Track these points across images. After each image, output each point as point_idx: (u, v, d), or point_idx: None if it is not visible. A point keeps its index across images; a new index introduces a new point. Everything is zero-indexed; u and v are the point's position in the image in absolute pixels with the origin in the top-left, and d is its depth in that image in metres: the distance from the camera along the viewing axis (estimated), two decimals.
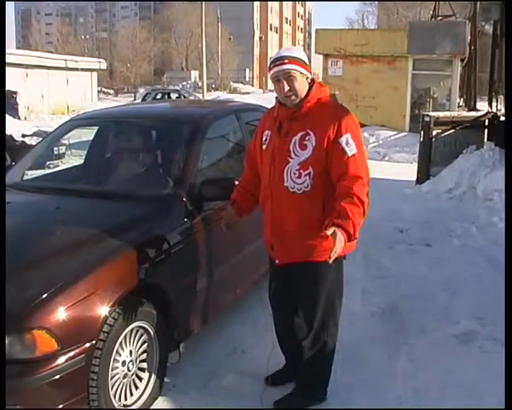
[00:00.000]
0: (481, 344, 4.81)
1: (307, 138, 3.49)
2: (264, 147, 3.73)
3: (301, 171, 3.49)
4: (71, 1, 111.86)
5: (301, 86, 3.50)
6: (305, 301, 3.77)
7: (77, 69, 36.17)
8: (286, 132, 3.56)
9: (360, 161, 3.42)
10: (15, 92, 28.87)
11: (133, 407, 3.72)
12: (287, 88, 3.47)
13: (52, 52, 52.08)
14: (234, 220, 3.97)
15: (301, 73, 3.49)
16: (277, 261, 3.76)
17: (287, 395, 3.93)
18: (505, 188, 4.78)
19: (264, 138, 3.74)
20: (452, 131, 12.09)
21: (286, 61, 3.46)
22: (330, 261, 3.25)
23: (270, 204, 3.66)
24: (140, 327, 3.70)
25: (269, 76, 3.59)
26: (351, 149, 3.40)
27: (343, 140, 3.40)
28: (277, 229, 3.66)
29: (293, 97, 3.51)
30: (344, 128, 3.42)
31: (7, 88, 28.01)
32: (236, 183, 4.09)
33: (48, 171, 6.05)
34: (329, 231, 3.20)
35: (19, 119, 28.14)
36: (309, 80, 3.56)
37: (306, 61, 3.56)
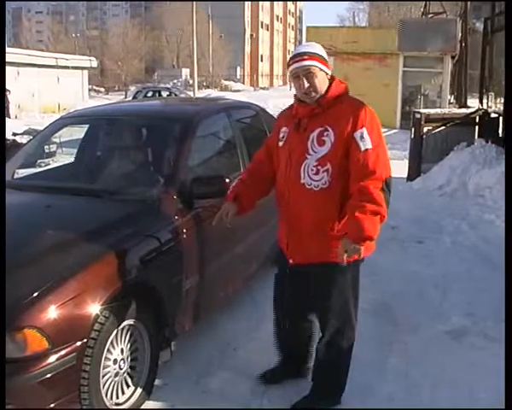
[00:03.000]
0: (473, 341, 4.82)
1: (326, 134, 3.43)
2: (280, 144, 3.67)
3: (319, 167, 3.43)
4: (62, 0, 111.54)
5: (321, 83, 3.46)
6: (319, 304, 3.73)
7: (68, 67, 36.01)
8: (304, 129, 3.51)
9: (374, 157, 3.34)
10: (7, 90, 28.69)
11: (125, 406, 3.71)
12: (306, 85, 3.43)
13: (43, 50, 51.81)
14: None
15: (321, 69, 3.45)
16: (291, 261, 3.67)
17: (303, 399, 3.86)
18: (505, 189, 4.79)
19: (281, 135, 3.69)
20: (443, 128, 12.11)
21: (306, 57, 3.42)
22: (344, 263, 3.32)
23: (287, 202, 3.59)
24: (131, 325, 3.69)
25: (287, 72, 3.55)
26: (364, 144, 3.34)
27: (357, 134, 3.35)
28: (293, 228, 3.61)
29: (313, 94, 3.46)
30: (360, 122, 3.37)
31: None
32: (236, 180, 4.02)
33: (39, 169, 6.04)
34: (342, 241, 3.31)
35: (9, 117, 27.98)
36: (328, 76, 3.52)
37: (326, 58, 3.52)
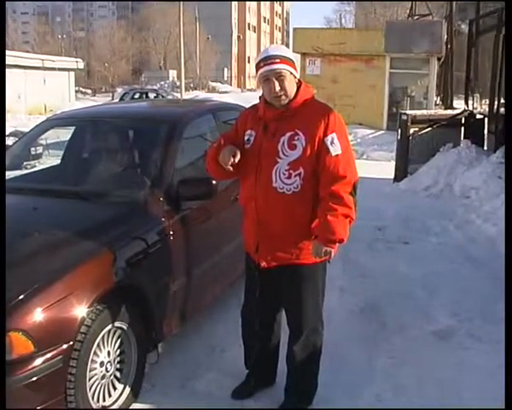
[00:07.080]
0: (459, 340, 4.84)
1: (296, 138, 3.42)
2: (247, 146, 3.60)
3: (291, 171, 3.43)
4: (48, 0, 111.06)
5: (291, 86, 3.44)
6: (293, 305, 3.73)
7: (54, 69, 35.84)
8: (273, 132, 3.48)
9: (344, 162, 3.39)
10: None
11: (112, 408, 3.70)
12: (278, 88, 3.40)
13: (29, 51, 51.59)
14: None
15: (291, 73, 3.44)
16: (263, 264, 3.64)
17: (283, 403, 3.88)
18: (505, 190, 4.82)
19: (246, 138, 3.63)
20: (429, 129, 12.17)
21: (277, 60, 3.39)
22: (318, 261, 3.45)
23: (255, 205, 3.56)
24: (118, 328, 3.68)
25: (257, 75, 3.49)
26: (335, 149, 3.37)
27: (328, 139, 3.38)
28: (264, 231, 3.57)
29: (283, 97, 3.44)
30: (330, 128, 3.39)
31: None
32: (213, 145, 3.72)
33: (25, 171, 5.99)
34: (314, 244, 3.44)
35: None
36: (297, 80, 3.50)
37: (295, 61, 3.53)
